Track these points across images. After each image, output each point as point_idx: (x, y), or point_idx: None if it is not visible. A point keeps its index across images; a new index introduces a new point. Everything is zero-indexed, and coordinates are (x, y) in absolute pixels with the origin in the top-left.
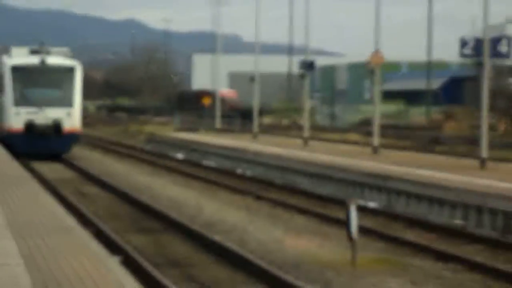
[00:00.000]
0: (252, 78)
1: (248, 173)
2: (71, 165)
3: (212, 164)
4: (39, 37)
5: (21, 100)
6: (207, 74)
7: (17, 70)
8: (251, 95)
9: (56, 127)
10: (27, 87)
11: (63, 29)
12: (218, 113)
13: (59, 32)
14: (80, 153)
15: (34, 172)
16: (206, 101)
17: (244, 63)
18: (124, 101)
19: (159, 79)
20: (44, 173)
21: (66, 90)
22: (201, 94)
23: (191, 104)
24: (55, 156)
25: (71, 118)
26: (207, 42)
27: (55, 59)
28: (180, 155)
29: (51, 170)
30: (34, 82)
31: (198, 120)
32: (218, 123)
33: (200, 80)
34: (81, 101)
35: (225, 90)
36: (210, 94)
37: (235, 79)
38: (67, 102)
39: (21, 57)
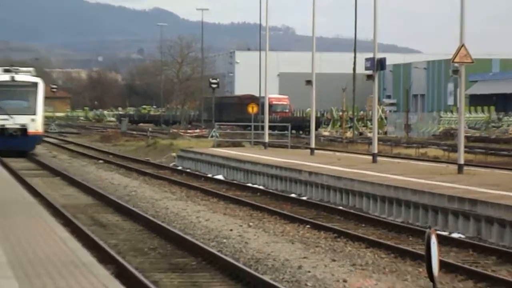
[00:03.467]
0: (308, 81)
1: (304, 196)
2: (86, 189)
3: (260, 186)
4: (49, 29)
5: None
6: (252, 76)
7: None
8: (306, 100)
9: (23, 130)
10: (0, 99)
11: (77, 18)
12: (266, 123)
13: (72, 21)
14: (98, 174)
15: (41, 197)
16: (252, 109)
17: (298, 62)
18: (151, 110)
19: (194, 82)
20: (54, 199)
21: (31, 101)
22: (245, 100)
23: (233, 113)
24: (23, 152)
25: (35, 123)
26: (252, 36)
27: (22, 77)
28: (220, 176)
29: (63, 195)
30: (5, 95)
31: (242, 132)
32: (266, 136)
33: (243, 83)
34: (43, 109)
35: (274, 95)
36: (256, 100)
37: (286, 81)
38: (31, 111)
39: None
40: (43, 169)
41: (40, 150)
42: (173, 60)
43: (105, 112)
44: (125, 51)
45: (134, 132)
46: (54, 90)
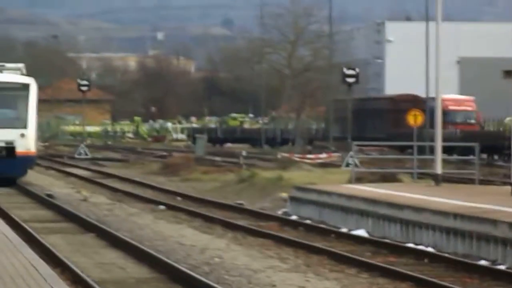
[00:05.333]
0: (508, 72)
1: (502, 264)
2: (137, 254)
3: (427, 247)
4: None
5: None
6: (414, 63)
7: None
8: (504, 104)
9: (9, 149)
10: None
11: None
12: (439, 143)
13: None
14: (157, 229)
15: (63, 267)
16: (414, 119)
17: (492, 40)
18: (245, 121)
19: (317, 75)
20: (86, 270)
21: (20, 110)
22: (403, 104)
23: (383, 125)
24: (8, 181)
25: (25, 139)
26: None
27: (8, 76)
28: (361, 231)
29: (99, 264)
30: None
31: (398, 158)
32: (439, 164)
33: (399, 75)
34: (36, 121)
35: (452, 96)
36: (421, 104)
37: (472, 72)
38: (21, 123)
39: None
40: (66, 221)
41: (61, 188)
42: (282, 37)
43: (169, 124)
44: (201, 23)
45: (218, 158)
46: (85, 89)
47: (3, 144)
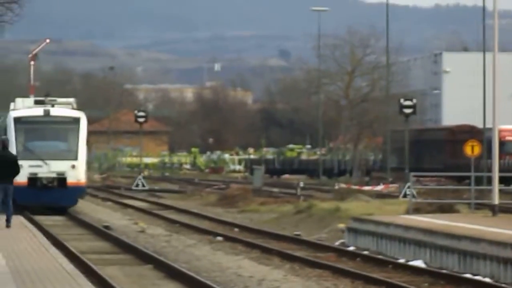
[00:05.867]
0: None
1: None
2: (196, 285)
3: (485, 277)
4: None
5: (24, 153)
6: (472, 94)
7: (20, 121)
8: None
9: (61, 180)
10: (30, 139)
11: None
12: (496, 173)
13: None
14: (215, 261)
15: None
16: (472, 150)
17: None
18: (302, 152)
19: (374, 106)
20: None
21: (71, 142)
22: (461, 135)
23: (440, 156)
24: (60, 210)
25: (76, 171)
26: (470, 27)
27: (60, 110)
28: (419, 261)
29: None
30: (38, 134)
31: (455, 189)
32: (496, 195)
33: (457, 106)
34: (86, 153)
35: (508, 127)
36: (479, 134)
37: None
38: (72, 155)
39: (24, 108)
40: (123, 253)
41: (118, 219)
42: (339, 68)
43: (227, 156)
44: (257, 54)
45: (275, 190)
46: (142, 120)
47: (55, 175)
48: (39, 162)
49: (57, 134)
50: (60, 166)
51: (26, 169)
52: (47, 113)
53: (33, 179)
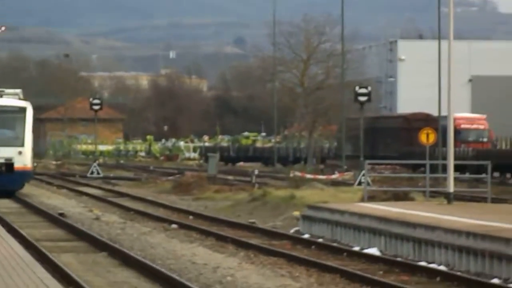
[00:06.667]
0: None
1: None
2: (150, 272)
3: (440, 266)
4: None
5: None
6: (426, 82)
7: None
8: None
9: (8, 165)
10: None
11: None
12: (451, 161)
13: None
14: (169, 248)
15: (76, 286)
16: (427, 138)
17: (504, 58)
18: (257, 140)
19: (329, 93)
20: (99, 287)
21: (17, 130)
22: (416, 122)
23: (395, 144)
24: (7, 193)
25: (23, 156)
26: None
27: (7, 100)
28: (373, 249)
29: (112, 283)
30: None
31: (410, 177)
32: (451, 182)
33: (411, 93)
34: (32, 140)
35: (464, 115)
36: (434, 122)
37: (484, 90)
38: (18, 142)
39: None
40: (78, 240)
41: (73, 208)
42: (295, 56)
43: (181, 143)
44: (213, 41)
45: (230, 177)
46: (97, 108)
47: (2, 161)
48: None
49: (4, 123)
50: (8, 152)
51: None
52: None
53: None
